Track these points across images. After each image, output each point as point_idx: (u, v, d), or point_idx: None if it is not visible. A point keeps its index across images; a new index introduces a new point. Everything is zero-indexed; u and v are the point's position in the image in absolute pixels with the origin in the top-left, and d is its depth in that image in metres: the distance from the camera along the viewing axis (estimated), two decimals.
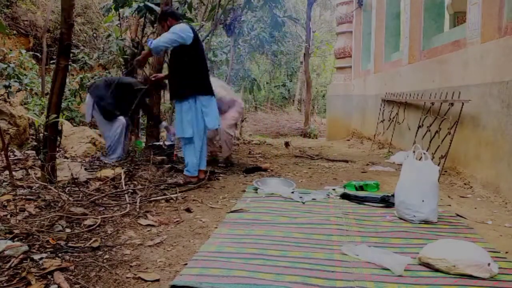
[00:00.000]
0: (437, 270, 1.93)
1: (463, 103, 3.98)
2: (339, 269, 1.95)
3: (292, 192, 3.52)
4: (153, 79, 4.39)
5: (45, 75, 6.52)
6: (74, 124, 6.90)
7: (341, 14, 10.43)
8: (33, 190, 3.07)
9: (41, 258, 1.92)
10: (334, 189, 3.71)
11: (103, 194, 3.18)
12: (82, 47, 8.71)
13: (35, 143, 5.46)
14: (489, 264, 1.89)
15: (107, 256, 2.06)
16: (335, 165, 5.35)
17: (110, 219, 2.64)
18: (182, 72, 3.76)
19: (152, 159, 4.25)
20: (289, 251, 2.18)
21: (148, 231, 2.51)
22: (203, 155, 3.93)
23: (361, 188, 3.74)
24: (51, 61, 6.89)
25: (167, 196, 3.27)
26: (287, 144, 7.81)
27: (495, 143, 3.50)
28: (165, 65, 6.31)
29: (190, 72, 3.74)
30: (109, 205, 2.95)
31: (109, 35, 6.87)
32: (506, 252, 2.21)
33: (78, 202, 2.91)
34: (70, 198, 2.95)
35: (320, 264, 2.00)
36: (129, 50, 6.52)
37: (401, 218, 2.80)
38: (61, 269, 1.85)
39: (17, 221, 2.38)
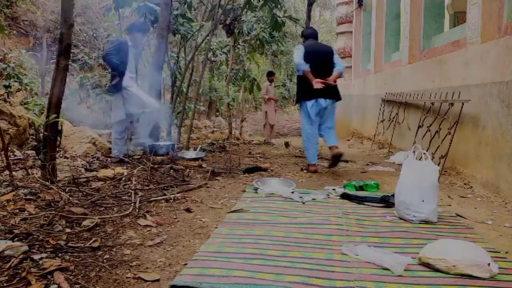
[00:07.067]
0: (437, 270, 1.93)
1: (463, 103, 3.97)
2: (339, 269, 1.95)
3: (292, 192, 3.52)
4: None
5: (45, 75, 6.53)
6: (74, 124, 6.90)
7: (341, 14, 10.44)
8: (33, 190, 3.06)
9: (41, 258, 1.92)
10: (334, 189, 3.71)
11: (103, 195, 3.18)
12: (82, 47, 8.71)
13: (35, 143, 5.45)
14: (489, 264, 1.88)
15: (107, 256, 2.05)
16: None
17: (110, 219, 2.64)
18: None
19: (152, 159, 4.26)
20: (289, 251, 2.18)
21: (148, 231, 2.51)
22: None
23: (361, 188, 3.74)
24: (51, 61, 6.89)
25: (167, 196, 3.27)
26: (287, 144, 7.82)
27: (495, 143, 3.50)
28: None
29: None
30: (109, 205, 2.95)
31: (109, 35, 6.88)
32: (506, 252, 2.21)
33: (78, 202, 2.90)
34: (71, 198, 2.95)
35: (320, 264, 2.00)
36: None
37: (401, 218, 2.80)
38: (61, 269, 1.84)
39: (17, 221, 2.38)
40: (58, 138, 3.87)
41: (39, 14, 9.43)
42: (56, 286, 1.70)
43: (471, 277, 1.86)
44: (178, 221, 2.73)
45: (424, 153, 2.84)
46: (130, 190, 3.34)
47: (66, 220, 2.50)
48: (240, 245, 2.25)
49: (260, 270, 1.92)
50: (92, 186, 3.50)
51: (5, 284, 1.69)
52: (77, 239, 2.26)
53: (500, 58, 3.48)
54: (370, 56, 8.57)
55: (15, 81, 6.04)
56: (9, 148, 4.43)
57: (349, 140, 9.48)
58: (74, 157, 5.11)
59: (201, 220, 2.76)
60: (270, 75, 9.46)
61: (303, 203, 3.24)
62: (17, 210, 2.59)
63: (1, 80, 6.04)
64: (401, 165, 3.57)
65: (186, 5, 6.73)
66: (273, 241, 2.33)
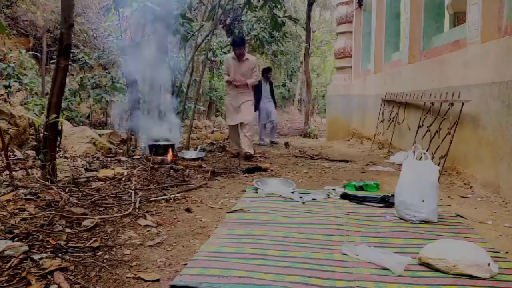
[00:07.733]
0: (437, 270, 1.93)
1: (463, 103, 3.97)
2: (339, 269, 1.95)
3: (292, 192, 3.52)
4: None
5: (45, 75, 6.53)
6: (74, 124, 6.91)
7: (341, 14, 10.42)
8: (33, 190, 3.06)
9: (41, 258, 1.92)
10: (334, 189, 3.71)
11: (103, 195, 3.18)
12: (82, 47, 8.71)
13: (35, 143, 5.46)
14: (489, 264, 1.88)
15: (107, 256, 2.06)
16: (335, 165, 5.35)
17: (110, 219, 2.63)
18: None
19: (152, 159, 4.26)
20: (289, 251, 2.18)
21: (148, 231, 2.51)
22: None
23: (361, 188, 3.74)
24: (51, 61, 6.90)
25: (167, 196, 3.27)
26: (287, 144, 7.82)
27: (495, 143, 3.50)
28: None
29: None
30: (109, 205, 2.95)
31: (109, 35, 6.87)
32: (506, 252, 2.21)
33: (78, 202, 2.90)
34: (71, 198, 2.95)
35: (320, 264, 2.00)
36: None
37: (401, 218, 2.80)
38: (61, 269, 1.84)
39: (17, 221, 2.38)
40: (58, 138, 3.87)
41: (39, 14, 9.43)
42: (56, 286, 1.70)
43: (471, 277, 1.86)
44: (178, 221, 2.73)
45: (424, 153, 2.84)
46: (130, 190, 3.34)
47: (66, 220, 2.50)
48: (240, 245, 2.25)
49: (260, 270, 1.92)
50: (92, 186, 3.50)
51: (5, 284, 1.69)
52: (77, 239, 2.26)
53: (500, 58, 3.47)
54: (370, 56, 8.57)
55: (15, 81, 6.04)
56: (9, 148, 4.43)
57: (349, 140, 9.47)
58: (74, 157, 5.11)
59: (201, 220, 2.76)
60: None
61: (303, 203, 3.24)
62: (17, 210, 2.59)
63: (1, 80, 6.04)
64: (401, 165, 3.57)
65: (186, 5, 6.73)
66: (273, 241, 2.33)
